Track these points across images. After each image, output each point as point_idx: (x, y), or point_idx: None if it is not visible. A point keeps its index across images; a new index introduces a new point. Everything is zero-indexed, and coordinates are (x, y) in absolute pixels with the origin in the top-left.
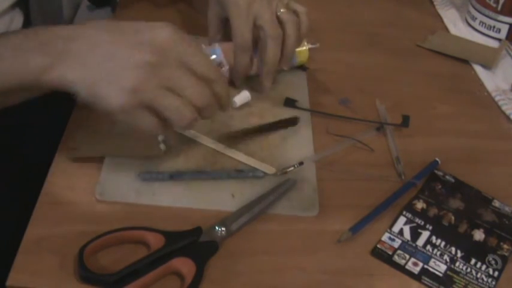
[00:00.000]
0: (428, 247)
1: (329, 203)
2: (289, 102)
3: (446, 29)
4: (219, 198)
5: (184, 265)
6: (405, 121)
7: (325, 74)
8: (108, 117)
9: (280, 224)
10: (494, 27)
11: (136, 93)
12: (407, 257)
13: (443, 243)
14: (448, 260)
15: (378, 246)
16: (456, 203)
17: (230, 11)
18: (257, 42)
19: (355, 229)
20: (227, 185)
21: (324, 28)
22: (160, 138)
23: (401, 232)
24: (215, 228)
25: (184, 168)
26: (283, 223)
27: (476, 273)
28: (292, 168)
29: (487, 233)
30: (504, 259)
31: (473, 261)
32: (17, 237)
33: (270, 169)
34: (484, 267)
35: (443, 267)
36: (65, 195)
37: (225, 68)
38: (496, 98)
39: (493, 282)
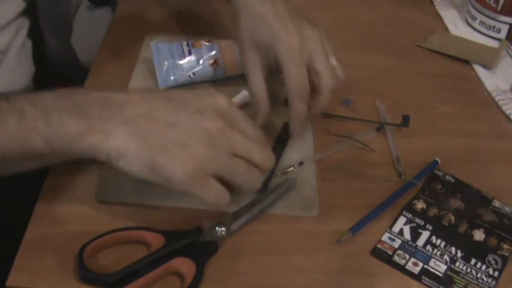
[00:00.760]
0: (428, 247)
1: (329, 203)
2: None
3: (446, 29)
4: None
5: (184, 265)
6: (405, 121)
7: None
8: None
9: (280, 224)
10: (494, 27)
11: (204, 162)
12: (407, 257)
13: (443, 243)
14: (448, 260)
15: (378, 246)
16: (456, 203)
17: (282, 54)
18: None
19: (355, 229)
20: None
21: (324, 28)
22: None
23: (401, 232)
24: (215, 228)
25: None
26: (283, 223)
27: (476, 273)
28: (292, 168)
29: (487, 233)
30: (504, 259)
31: (473, 261)
32: (17, 237)
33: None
34: (484, 267)
35: (443, 267)
36: (65, 195)
37: (221, 66)
38: (496, 98)
39: (493, 282)
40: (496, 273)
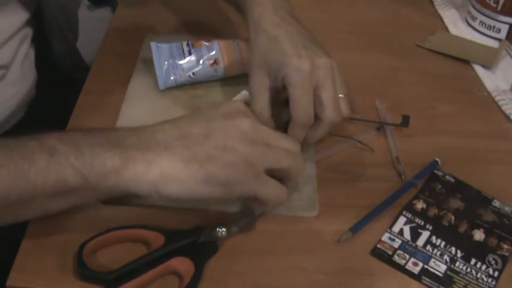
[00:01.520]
0: (428, 247)
1: (329, 203)
2: None
3: (446, 29)
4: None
5: (183, 265)
6: (405, 121)
7: None
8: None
9: (280, 224)
10: (494, 27)
11: (252, 158)
12: (407, 257)
13: (443, 243)
14: (448, 260)
15: (378, 246)
16: (456, 203)
17: (291, 79)
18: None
19: (355, 229)
20: None
21: (324, 28)
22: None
23: (401, 232)
24: (216, 228)
25: None
26: (283, 223)
27: (476, 273)
28: None
29: (487, 233)
30: (504, 259)
31: (473, 261)
32: (17, 237)
33: None
34: (484, 267)
35: (443, 267)
36: None
37: (221, 66)
38: (496, 98)
39: (493, 282)
40: (496, 273)
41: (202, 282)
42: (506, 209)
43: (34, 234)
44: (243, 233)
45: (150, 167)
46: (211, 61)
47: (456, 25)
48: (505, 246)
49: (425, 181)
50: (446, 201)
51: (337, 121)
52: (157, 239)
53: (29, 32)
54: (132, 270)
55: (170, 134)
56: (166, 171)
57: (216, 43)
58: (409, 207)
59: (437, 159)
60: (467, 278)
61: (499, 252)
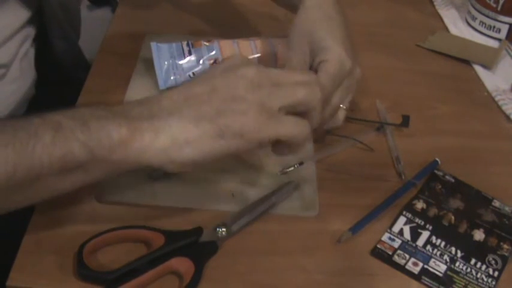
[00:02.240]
0: (428, 247)
1: (329, 203)
2: None
3: (446, 29)
4: (219, 198)
5: (183, 265)
6: (405, 121)
7: None
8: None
9: (280, 224)
10: (494, 27)
11: (263, 102)
12: (407, 257)
13: (443, 243)
14: (448, 260)
15: (378, 246)
16: (456, 203)
17: (330, 66)
18: None
19: (355, 229)
20: (227, 185)
21: None
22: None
23: (401, 232)
24: (216, 229)
25: None
26: (283, 223)
27: (476, 273)
28: (292, 168)
29: (487, 233)
30: (504, 259)
31: (473, 261)
32: (17, 237)
33: None
34: (484, 267)
35: (443, 267)
36: (65, 195)
37: None
38: (496, 98)
39: (493, 282)
40: (496, 273)
41: (202, 282)
42: (506, 209)
43: (34, 234)
44: (243, 233)
45: (158, 134)
46: (211, 61)
47: (456, 25)
48: (505, 246)
49: (425, 181)
50: (446, 201)
51: (325, 123)
52: (157, 239)
53: (30, 31)
54: (132, 270)
55: (175, 99)
56: (177, 136)
57: (216, 43)
58: (409, 207)
59: (437, 159)
60: (467, 278)
61: (499, 252)
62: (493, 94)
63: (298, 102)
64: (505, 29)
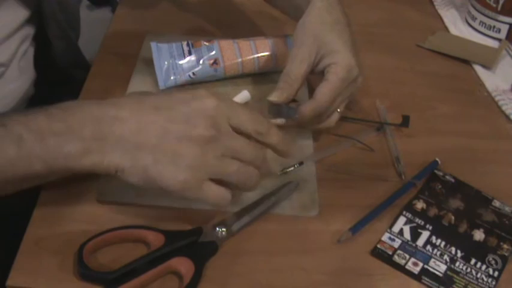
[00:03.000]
0: (428, 247)
1: (329, 203)
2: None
3: (446, 29)
4: None
5: (183, 265)
6: (405, 121)
7: None
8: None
9: (280, 224)
10: (494, 27)
11: (197, 169)
12: (407, 257)
13: (443, 243)
14: (448, 260)
15: (378, 246)
16: (456, 203)
17: (338, 69)
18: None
19: (355, 229)
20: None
21: None
22: None
23: (401, 232)
24: (216, 228)
25: None
26: (283, 223)
27: (476, 273)
28: (292, 168)
29: (487, 233)
30: (504, 259)
31: (473, 261)
32: (17, 237)
33: (279, 121)
34: (484, 267)
35: (443, 267)
36: (65, 195)
37: (221, 66)
38: (496, 98)
39: (493, 282)
40: (496, 273)
41: (202, 282)
42: (506, 209)
43: (34, 234)
44: (243, 233)
45: (104, 157)
46: (211, 61)
47: (456, 25)
48: (505, 246)
49: (425, 181)
50: (446, 201)
51: (313, 124)
52: (157, 239)
53: (29, 30)
54: (132, 270)
55: (127, 127)
56: (116, 164)
57: (216, 43)
58: (409, 207)
59: (437, 159)
60: (467, 278)
61: (499, 252)
62: (493, 94)
63: (229, 182)
64: (505, 29)
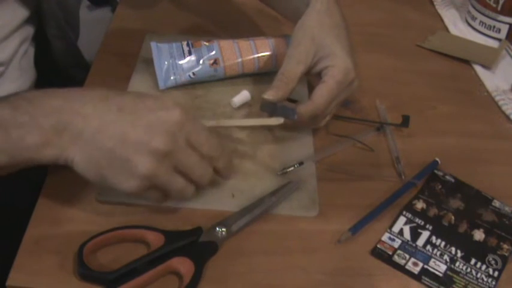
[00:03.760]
0: (428, 247)
1: (329, 203)
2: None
3: (446, 29)
4: (219, 198)
5: (183, 265)
6: (405, 121)
7: None
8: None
9: (280, 224)
10: (494, 27)
11: (148, 179)
12: (407, 257)
13: (443, 243)
14: (448, 260)
15: (378, 246)
16: (456, 203)
17: (336, 71)
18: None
19: (355, 229)
20: (227, 185)
21: None
22: None
23: (401, 232)
24: (216, 228)
25: None
26: (283, 223)
27: (476, 273)
28: (292, 168)
29: (487, 233)
30: (504, 259)
31: (473, 261)
32: (17, 237)
33: (277, 120)
34: (484, 267)
35: (443, 267)
36: (65, 195)
37: (221, 66)
38: (496, 98)
39: (493, 282)
40: (496, 273)
41: (202, 282)
42: (506, 209)
43: (34, 234)
44: (243, 233)
45: (62, 152)
46: (211, 61)
47: (456, 25)
48: (505, 246)
49: (425, 181)
50: (446, 201)
51: (308, 123)
52: (157, 239)
53: (29, 30)
54: (132, 270)
55: (88, 124)
56: (72, 159)
57: (216, 43)
58: (409, 207)
59: (437, 159)
60: (467, 278)
61: (499, 252)
62: (493, 94)
63: (170, 192)
64: (505, 29)
